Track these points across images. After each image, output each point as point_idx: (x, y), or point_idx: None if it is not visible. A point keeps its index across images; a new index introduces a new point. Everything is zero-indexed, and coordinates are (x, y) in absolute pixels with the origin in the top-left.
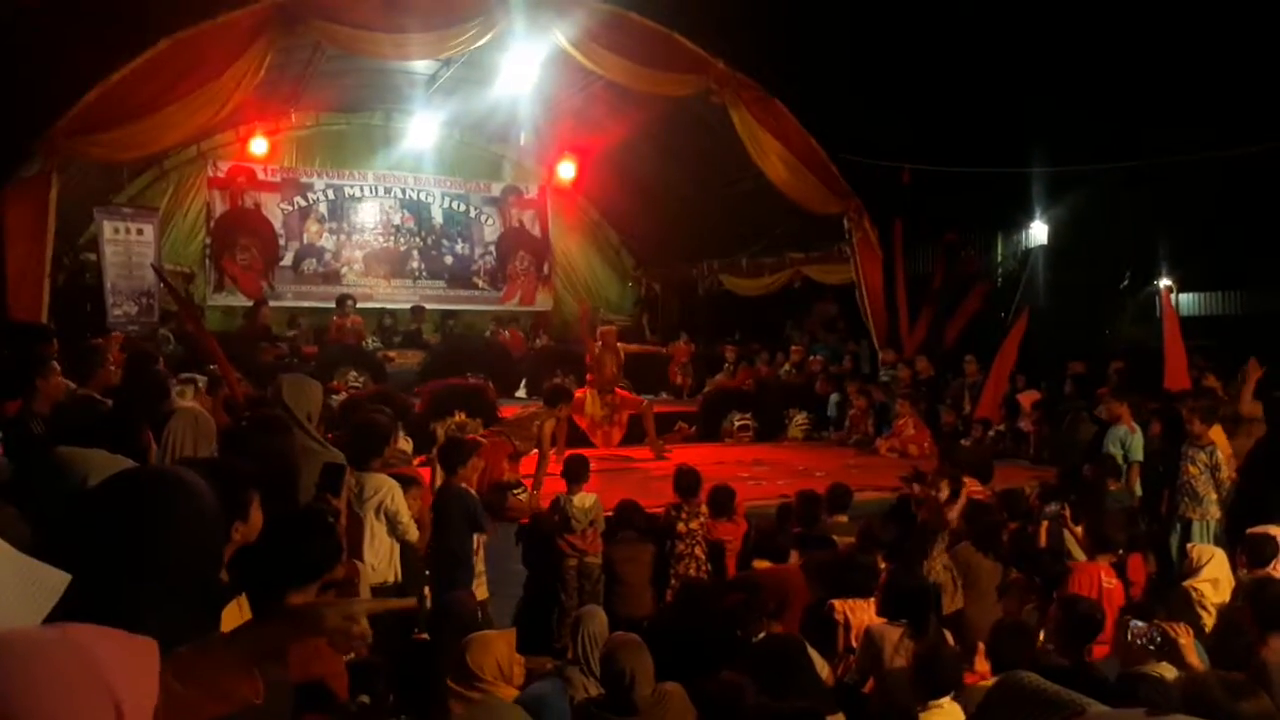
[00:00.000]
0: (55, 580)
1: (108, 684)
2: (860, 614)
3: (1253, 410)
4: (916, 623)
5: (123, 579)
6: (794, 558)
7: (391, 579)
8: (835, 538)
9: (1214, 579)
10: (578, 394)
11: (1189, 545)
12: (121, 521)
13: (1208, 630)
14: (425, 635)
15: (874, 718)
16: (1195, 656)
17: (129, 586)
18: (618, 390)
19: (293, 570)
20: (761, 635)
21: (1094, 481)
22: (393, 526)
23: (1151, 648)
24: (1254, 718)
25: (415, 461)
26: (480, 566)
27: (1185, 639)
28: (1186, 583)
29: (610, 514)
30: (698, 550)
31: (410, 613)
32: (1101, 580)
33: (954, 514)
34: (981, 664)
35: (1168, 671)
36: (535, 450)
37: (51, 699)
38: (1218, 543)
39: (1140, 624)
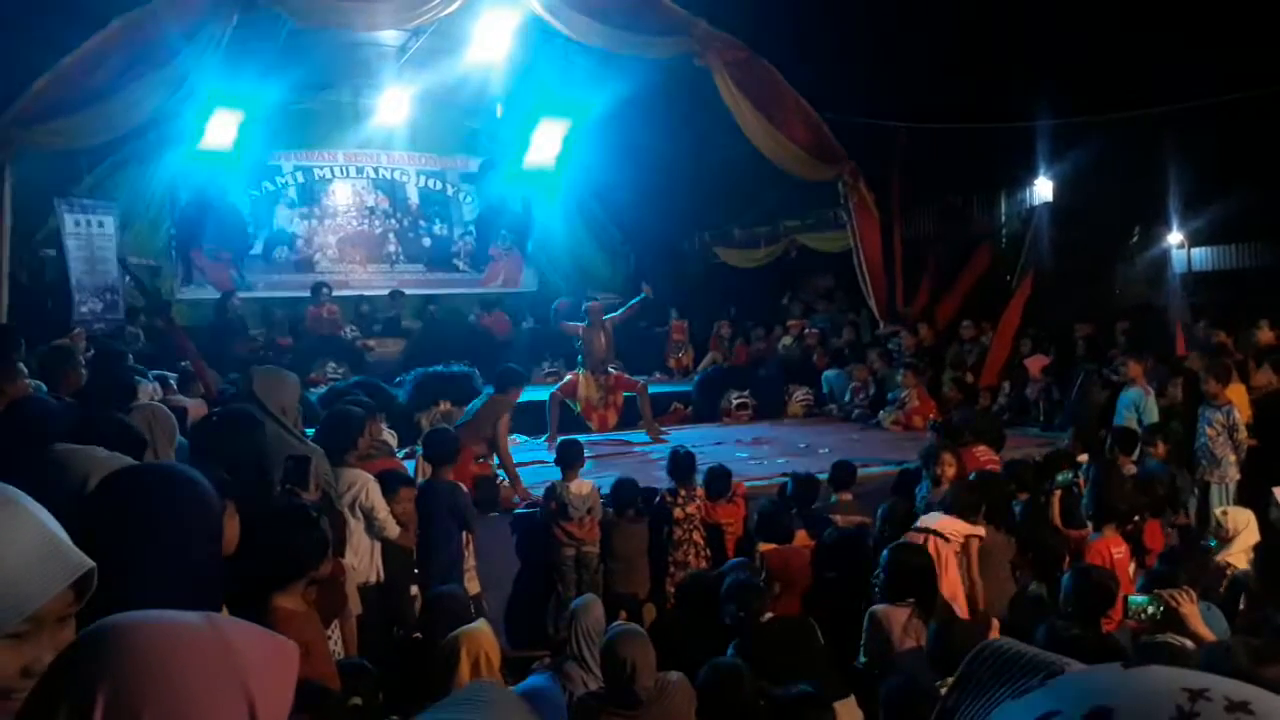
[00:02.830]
0: (79, 561)
1: (245, 684)
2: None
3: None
4: (923, 602)
5: (123, 577)
6: (801, 537)
7: (373, 579)
8: (839, 516)
9: (1247, 548)
10: (571, 377)
11: (1220, 510)
12: (124, 517)
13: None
14: (415, 634)
15: (892, 698)
16: (1201, 624)
17: (129, 584)
18: (612, 371)
19: (276, 569)
20: (768, 617)
21: (1104, 448)
22: (369, 523)
23: (1144, 618)
24: None
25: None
26: (471, 561)
27: (1188, 607)
28: (1220, 556)
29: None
30: (696, 535)
31: (398, 612)
32: (1112, 552)
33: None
34: (996, 638)
35: (1188, 642)
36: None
37: (186, 691)
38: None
39: (1139, 600)
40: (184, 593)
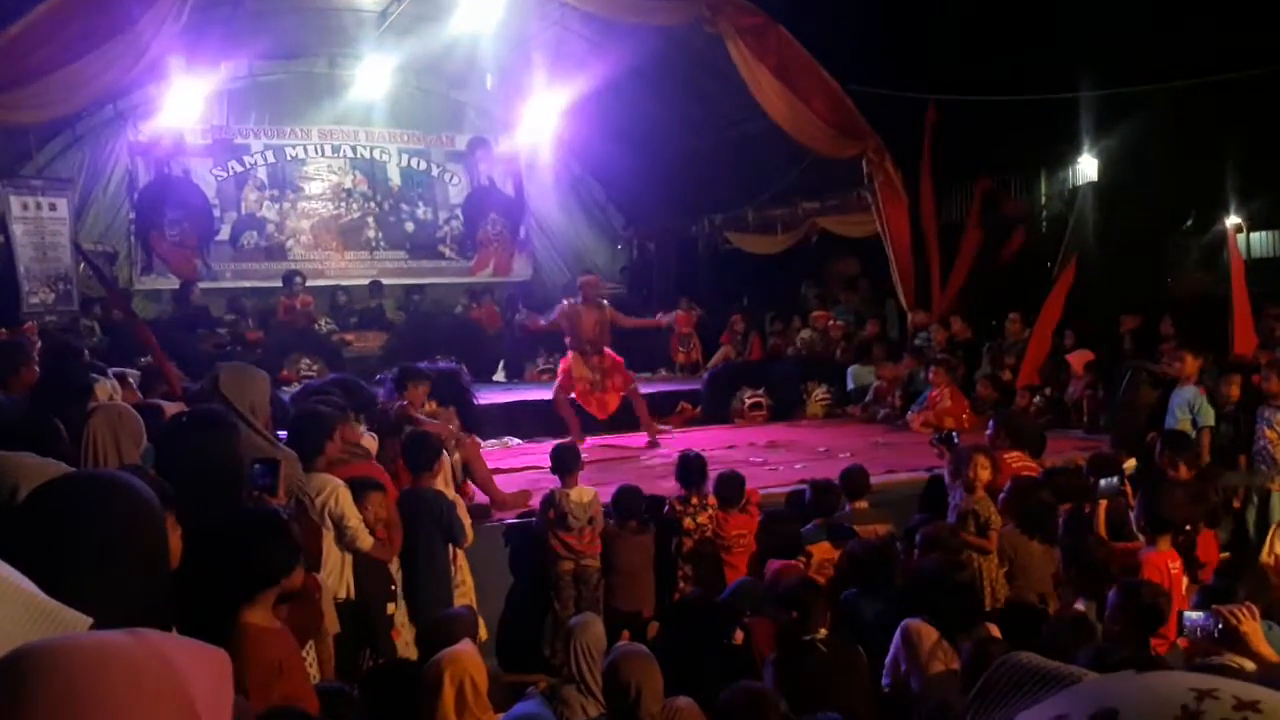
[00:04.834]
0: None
1: (188, 695)
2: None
3: None
4: (954, 621)
5: (61, 594)
6: (824, 549)
7: (343, 595)
8: (858, 527)
9: None
10: (562, 364)
11: None
12: (57, 532)
13: None
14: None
15: None
16: (1264, 644)
17: (67, 601)
18: (607, 351)
19: (244, 579)
20: (821, 634)
21: (1154, 451)
22: (340, 533)
23: (1200, 635)
24: None
25: None
26: (459, 577)
27: (1249, 624)
28: None
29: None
30: (707, 548)
31: (372, 632)
32: (1168, 566)
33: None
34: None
35: (1247, 663)
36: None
37: (130, 708)
38: None
39: (1195, 616)
40: (124, 609)
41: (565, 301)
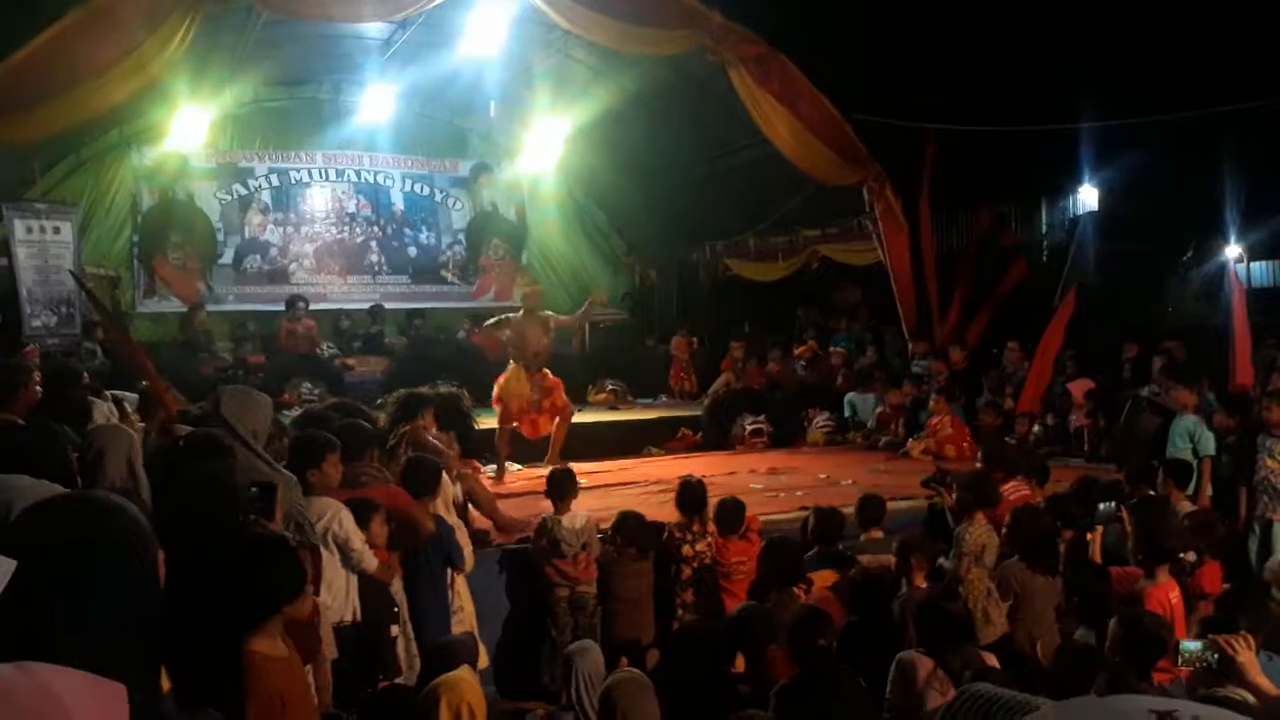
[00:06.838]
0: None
1: None
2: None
3: None
4: (948, 651)
5: (54, 614)
6: (824, 579)
7: (349, 618)
8: (867, 556)
9: None
10: (500, 380)
11: None
12: (49, 551)
13: None
14: (396, 680)
15: None
16: (1260, 675)
17: (60, 623)
18: (547, 371)
19: (250, 606)
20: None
21: (1151, 478)
22: (345, 556)
23: (1199, 665)
24: None
25: None
26: (459, 603)
27: (1245, 654)
28: None
29: (605, 531)
30: (706, 575)
31: (379, 658)
32: (1169, 598)
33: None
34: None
35: (1250, 696)
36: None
37: None
38: None
39: (1191, 646)
40: (114, 628)
41: (512, 317)
